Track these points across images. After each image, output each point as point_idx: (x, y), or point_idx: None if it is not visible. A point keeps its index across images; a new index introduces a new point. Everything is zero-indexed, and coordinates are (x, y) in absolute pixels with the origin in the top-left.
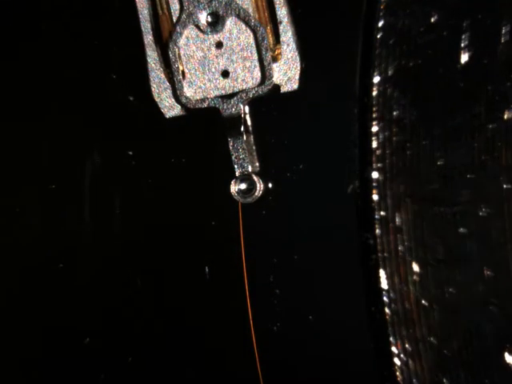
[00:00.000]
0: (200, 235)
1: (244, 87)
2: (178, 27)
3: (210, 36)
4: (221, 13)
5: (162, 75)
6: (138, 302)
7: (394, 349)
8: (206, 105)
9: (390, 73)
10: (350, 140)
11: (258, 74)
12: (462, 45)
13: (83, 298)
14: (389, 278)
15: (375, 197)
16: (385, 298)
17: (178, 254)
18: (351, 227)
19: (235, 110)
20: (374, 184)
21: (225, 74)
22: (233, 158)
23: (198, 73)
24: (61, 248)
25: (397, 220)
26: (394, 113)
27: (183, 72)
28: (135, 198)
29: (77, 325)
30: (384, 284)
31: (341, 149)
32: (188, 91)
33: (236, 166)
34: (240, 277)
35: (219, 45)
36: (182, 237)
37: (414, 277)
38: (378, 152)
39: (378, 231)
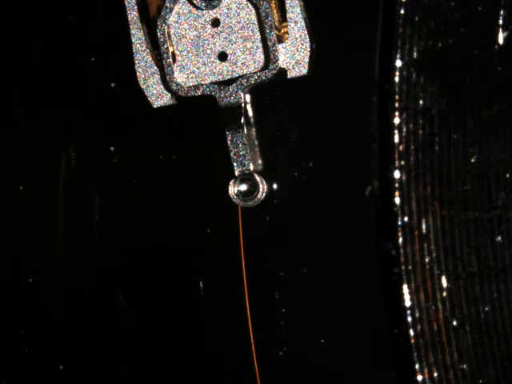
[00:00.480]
0: (193, 245)
1: (244, 72)
2: (167, 2)
3: (204, 12)
4: None
5: (149, 58)
6: (121, 324)
7: (419, 377)
8: (200, 92)
9: (414, 55)
10: (368, 134)
11: (260, 56)
12: (500, 22)
13: (54, 322)
14: (413, 294)
15: (397, 200)
16: (409, 318)
17: (168, 268)
18: (370, 235)
19: (234, 98)
20: (396, 185)
21: (222, 56)
22: (231, 154)
23: (190, 55)
24: (29, 261)
25: (423, 227)
26: (420, 102)
27: (173, 54)
28: (117, 201)
29: (46, 352)
30: (408, 302)
31: (357, 144)
32: (179, 77)
33: (235, 164)
34: (240, 294)
35: (216, 22)
36: (172, 247)
37: (443, 293)
38: (400, 148)
39: (400, 240)
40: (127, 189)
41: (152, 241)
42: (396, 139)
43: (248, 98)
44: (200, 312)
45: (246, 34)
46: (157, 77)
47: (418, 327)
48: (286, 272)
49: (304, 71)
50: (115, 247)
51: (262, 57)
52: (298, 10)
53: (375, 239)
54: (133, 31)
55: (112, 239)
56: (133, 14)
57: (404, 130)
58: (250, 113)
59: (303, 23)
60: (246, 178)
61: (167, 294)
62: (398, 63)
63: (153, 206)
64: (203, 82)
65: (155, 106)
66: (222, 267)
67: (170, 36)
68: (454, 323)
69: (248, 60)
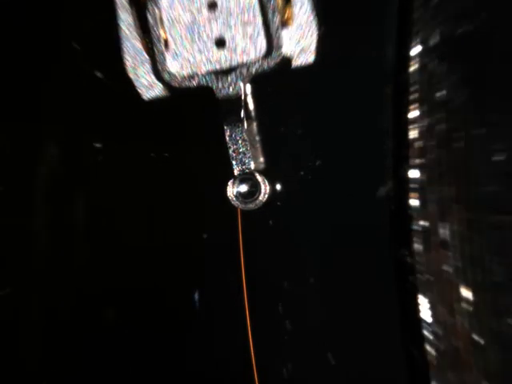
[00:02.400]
0: (188, 252)
1: (244, 60)
2: None
3: None
4: None
5: (139, 45)
6: (110, 341)
7: None
8: (195, 83)
9: (433, 42)
10: (381, 129)
11: (262, 43)
12: None
13: (33, 338)
14: (432, 306)
15: (414, 202)
16: (426, 333)
17: (159, 278)
18: (383, 241)
19: (233, 89)
20: (413, 185)
21: (220, 43)
22: (230, 151)
23: (184, 42)
24: (6, 270)
25: (442, 232)
26: (439, 93)
27: (166, 41)
28: (103, 204)
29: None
30: (426, 315)
31: (369, 140)
32: (172, 65)
33: (234, 163)
34: (239, 307)
35: (212, 5)
36: (164, 255)
37: (465, 305)
38: (417, 144)
39: (417, 246)
40: (114, 190)
41: (142, 249)
42: (412, 135)
43: (248, 88)
44: (195, 327)
45: (246, 18)
46: (147, 66)
47: (437, 343)
48: (290, 282)
49: (310, 59)
50: (102, 257)
51: (264, 43)
52: None
53: (389, 245)
54: (121, 15)
55: (98, 248)
56: None
57: (421, 124)
58: (251, 105)
59: (309, 6)
60: (247, 177)
61: (159, 307)
62: (415, 50)
63: (143, 209)
64: (199, 72)
65: (145, 98)
66: (220, 277)
67: (161, 20)
68: (477, 339)
69: (248, 47)
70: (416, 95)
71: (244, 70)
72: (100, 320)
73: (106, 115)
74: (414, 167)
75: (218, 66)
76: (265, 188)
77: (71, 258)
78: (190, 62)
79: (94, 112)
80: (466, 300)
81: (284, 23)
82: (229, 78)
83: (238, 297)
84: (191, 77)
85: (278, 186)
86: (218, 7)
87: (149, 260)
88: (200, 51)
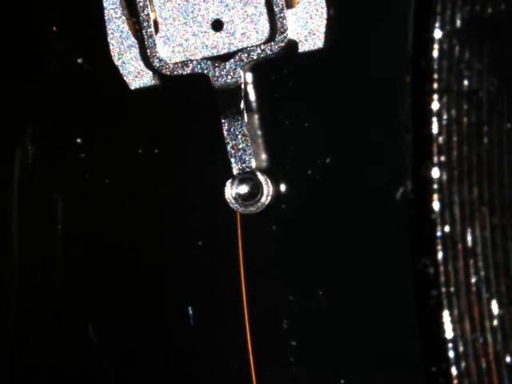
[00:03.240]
0: (181, 261)
1: (244, 45)
2: None
3: None
4: None
5: (126, 27)
6: (92, 363)
7: None
8: (189, 70)
9: (458, 24)
10: (399, 122)
11: (264, 25)
12: None
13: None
14: (456, 323)
15: (436, 205)
16: (450, 354)
17: (150, 291)
18: (401, 249)
19: (232, 77)
20: (435, 186)
21: (217, 25)
22: (229, 148)
23: (177, 24)
24: None
25: (468, 239)
26: (465, 82)
27: (156, 22)
28: (85, 207)
29: None
30: (449, 333)
31: (386, 135)
32: (163, 50)
33: (233, 160)
34: (239, 323)
35: None
36: (154, 264)
37: (494, 322)
38: (440, 140)
39: (440, 255)
40: (98, 191)
41: (129, 257)
42: (435, 129)
43: (249, 77)
44: (189, 346)
45: None
46: (135, 51)
47: (462, 364)
48: (296, 295)
49: (319, 44)
50: (83, 265)
51: (267, 26)
52: None
53: (409, 254)
54: None
55: (79, 255)
56: None
57: (444, 117)
58: (252, 96)
59: None
60: (247, 177)
61: (147, 323)
62: (438, 34)
63: (130, 212)
64: (193, 58)
65: (133, 88)
66: (217, 289)
67: (151, 0)
68: (508, 359)
69: (249, 30)
70: (438, 84)
71: (244, 56)
72: (80, 339)
73: (88, 107)
74: (437, 166)
75: (214, 52)
76: (267, 189)
77: (48, 263)
78: (182, 46)
79: (73, 103)
80: (496, 316)
81: (289, 3)
82: (227, 65)
83: (236, 313)
84: (184, 64)
85: (283, 187)
86: None
87: (137, 268)
88: (194, 34)
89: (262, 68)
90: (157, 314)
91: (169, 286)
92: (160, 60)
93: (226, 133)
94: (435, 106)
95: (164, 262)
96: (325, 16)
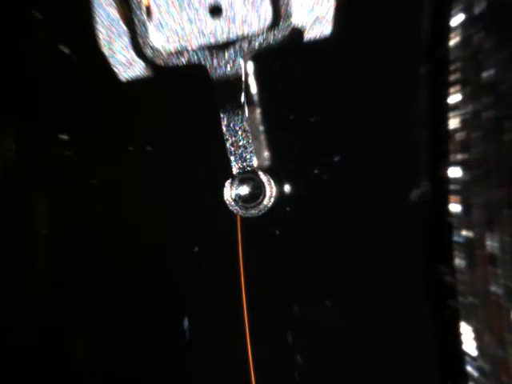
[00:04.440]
0: (175, 270)
1: (245, 32)
2: None
3: None
4: None
5: (116, 13)
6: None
7: None
8: (184, 60)
9: (479, 9)
10: (415, 117)
11: (267, 11)
12: None
13: None
14: (476, 336)
15: (456, 207)
16: (470, 370)
17: (142, 301)
18: (416, 256)
19: (231, 68)
20: (454, 187)
21: (215, 11)
22: (228, 145)
23: (171, 9)
24: None
25: (489, 244)
26: (487, 72)
27: (148, 8)
28: (72, 210)
29: None
30: (469, 346)
31: (400, 131)
32: (156, 39)
33: (233, 159)
34: (239, 337)
35: None
36: (146, 273)
37: None
38: (459, 136)
39: (459, 262)
40: (85, 192)
41: (118, 264)
42: (453, 124)
43: (250, 67)
44: (184, 362)
45: None
46: (125, 39)
47: (481, 380)
48: (302, 307)
49: (327, 31)
50: (68, 273)
51: (270, 12)
52: None
53: (424, 261)
54: None
55: (64, 262)
56: None
57: (464, 111)
58: (254, 88)
59: None
60: (248, 177)
61: (138, 337)
62: (457, 20)
63: (120, 216)
64: (189, 46)
65: (123, 79)
66: (215, 301)
67: None
68: None
69: (250, 16)
70: (458, 75)
71: (245, 45)
72: (66, 354)
73: (75, 100)
74: (456, 164)
75: (212, 40)
76: (270, 190)
77: (31, 270)
78: (177, 34)
79: (59, 96)
80: None
81: None
82: (226, 55)
83: (237, 325)
84: (180, 53)
85: (287, 188)
86: None
87: (127, 279)
88: (190, 21)
89: (265, 58)
90: (149, 323)
91: (164, 293)
92: (153, 49)
93: (225, 128)
94: (453, 99)
95: (158, 267)
96: (333, 1)
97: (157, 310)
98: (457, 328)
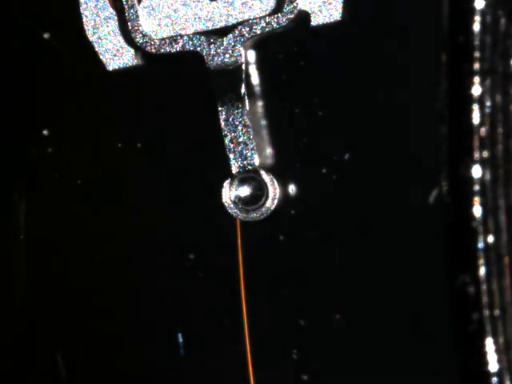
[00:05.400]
0: (168, 279)
1: (246, 17)
2: None
3: None
4: None
5: None
6: None
7: None
8: (178, 48)
9: None
10: (433, 110)
11: None
12: None
13: None
14: (502, 353)
15: (478, 210)
16: None
17: (130, 313)
18: (435, 264)
19: (231, 56)
20: (477, 187)
21: None
22: (227, 141)
23: None
24: None
25: None
26: None
27: None
28: (53, 213)
29: None
30: (494, 365)
31: (417, 126)
32: (147, 24)
33: (232, 157)
34: (239, 355)
35: None
36: (135, 282)
37: None
38: (483, 131)
39: (482, 271)
40: (68, 193)
41: (105, 273)
42: (476, 119)
43: (251, 55)
44: (179, 379)
45: None
46: (113, 24)
47: None
48: (308, 320)
49: (336, 15)
50: (49, 283)
51: None
52: None
53: (444, 270)
54: None
55: (45, 270)
56: None
57: (488, 104)
58: (255, 78)
59: None
60: (249, 177)
61: (127, 357)
62: (480, 3)
63: (106, 219)
64: (183, 32)
65: (111, 69)
66: (212, 315)
67: None
68: None
69: None
70: (480, 64)
71: (245, 31)
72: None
73: (57, 91)
74: (478, 163)
75: (209, 25)
76: (273, 191)
77: (9, 280)
78: (171, 18)
79: (39, 87)
80: None
81: None
82: (225, 42)
83: (236, 342)
84: (173, 40)
85: (292, 189)
86: None
87: (114, 286)
88: (185, 4)
89: (267, 45)
90: (138, 338)
91: (155, 304)
92: (143, 35)
93: (223, 123)
94: (477, 90)
95: (149, 276)
96: None
97: (148, 325)
98: (482, 344)
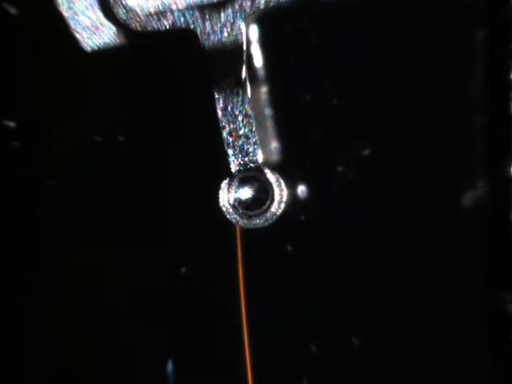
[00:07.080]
0: (159, 295)
1: None
2: None
3: None
4: None
5: None
6: None
7: None
8: (167, 24)
9: None
10: (469, 99)
11: None
12: None
13: None
14: None
15: None
16: None
17: (121, 328)
18: (472, 278)
19: (229, 34)
20: None
21: None
22: (225, 135)
23: None
24: None
25: None
26: None
27: None
28: (29, 214)
29: None
30: None
31: (450, 118)
32: None
33: (231, 152)
34: (241, 371)
35: None
36: (128, 295)
37: None
38: None
39: None
40: (49, 195)
41: (90, 287)
42: None
43: (254, 33)
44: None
45: None
46: None
47: None
48: (321, 345)
49: None
50: (28, 295)
51: None
52: None
53: (482, 285)
54: None
55: (24, 279)
56: None
57: None
58: (258, 60)
59: None
60: (251, 176)
61: (118, 372)
62: None
63: (93, 225)
64: (174, 6)
65: (88, 48)
66: (208, 337)
67: None
68: None
69: None
70: None
71: (246, 4)
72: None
73: (24, 75)
74: None
75: None
76: (280, 193)
77: None
78: None
79: (8, 73)
80: None
81: None
82: (222, 16)
83: (237, 367)
84: (162, 14)
85: (301, 190)
86: None
87: (101, 301)
88: None
89: (272, 21)
90: (125, 364)
91: (144, 324)
92: (126, 9)
93: (221, 113)
94: None
95: (139, 292)
96: None
97: (136, 348)
98: None
